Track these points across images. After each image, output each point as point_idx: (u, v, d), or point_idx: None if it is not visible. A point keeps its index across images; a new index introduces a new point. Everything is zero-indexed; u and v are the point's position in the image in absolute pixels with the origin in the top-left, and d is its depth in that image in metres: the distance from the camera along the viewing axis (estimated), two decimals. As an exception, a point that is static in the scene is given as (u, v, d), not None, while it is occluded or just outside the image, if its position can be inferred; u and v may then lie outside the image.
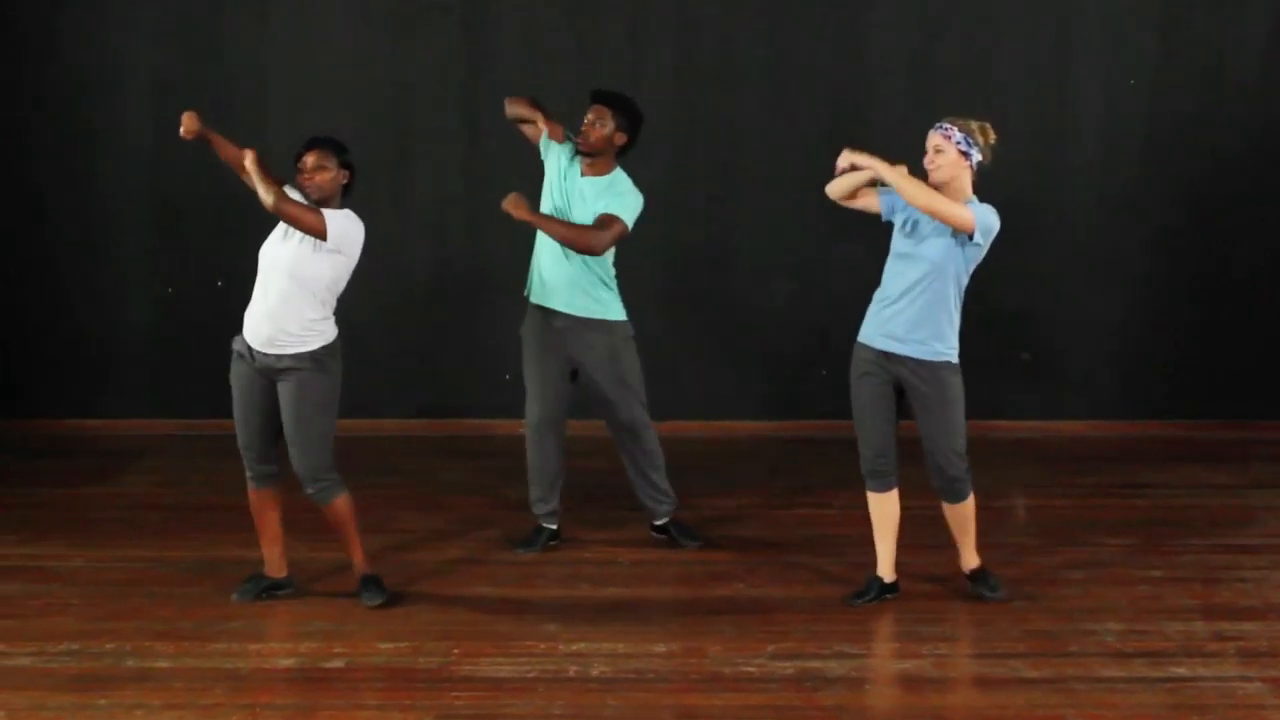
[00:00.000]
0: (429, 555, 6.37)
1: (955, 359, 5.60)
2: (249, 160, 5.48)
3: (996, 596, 5.79)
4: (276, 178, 5.49)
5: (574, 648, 5.32)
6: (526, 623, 5.56)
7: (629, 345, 6.36)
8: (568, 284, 6.24)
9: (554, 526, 6.49)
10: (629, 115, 6.27)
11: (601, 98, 6.29)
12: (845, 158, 5.59)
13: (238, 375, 5.64)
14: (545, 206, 6.30)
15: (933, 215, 5.41)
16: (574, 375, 6.38)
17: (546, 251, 6.27)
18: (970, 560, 5.85)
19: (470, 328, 8.59)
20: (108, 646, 5.29)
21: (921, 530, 6.14)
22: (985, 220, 5.44)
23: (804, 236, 8.49)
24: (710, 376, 8.73)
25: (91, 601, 5.76)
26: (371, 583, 5.77)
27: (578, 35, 8.52)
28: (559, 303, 6.27)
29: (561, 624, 5.54)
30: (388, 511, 6.94)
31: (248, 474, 5.73)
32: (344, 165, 5.62)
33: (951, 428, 5.60)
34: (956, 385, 5.60)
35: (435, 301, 8.65)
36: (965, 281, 5.57)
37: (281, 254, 5.53)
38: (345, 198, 5.66)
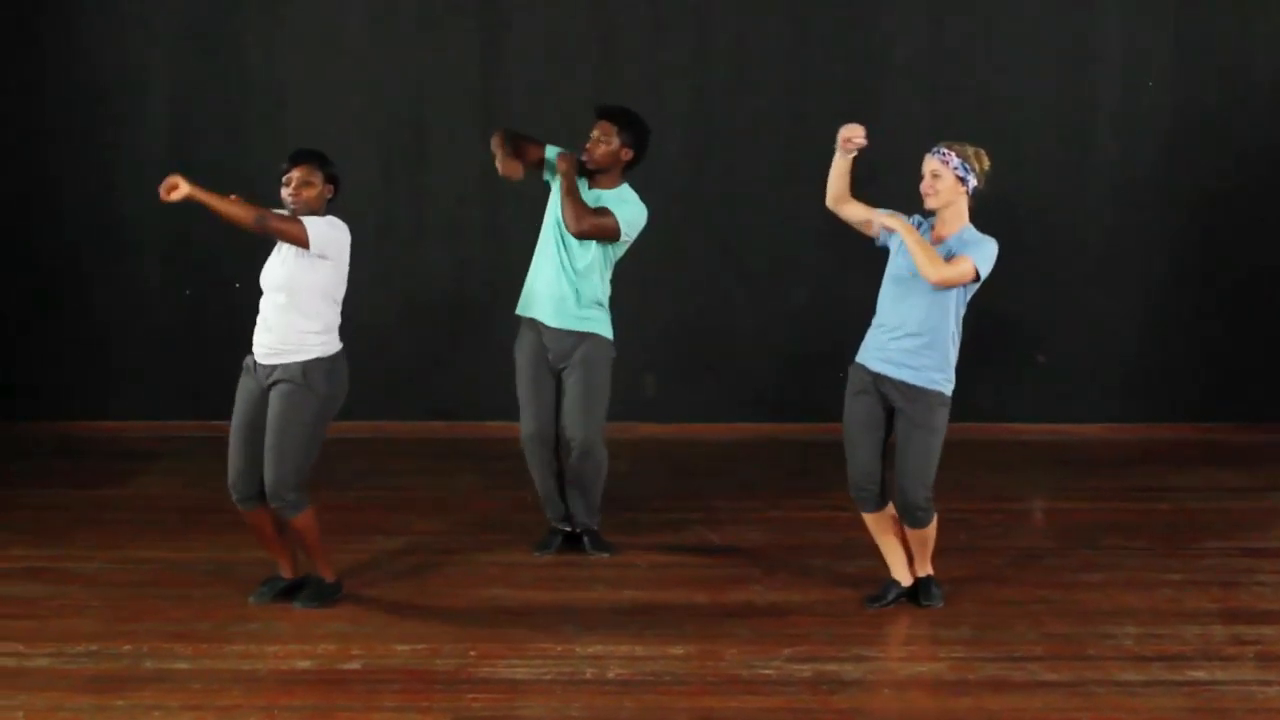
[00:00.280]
0: (445, 557, 6.37)
1: (949, 391, 5.57)
2: (230, 202, 5.42)
3: (931, 604, 5.75)
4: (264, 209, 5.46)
5: (591, 650, 5.31)
6: (543, 625, 5.56)
7: (606, 364, 6.29)
8: (561, 300, 6.22)
9: (567, 529, 6.48)
10: (635, 131, 6.23)
11: (607, 114, 6.25)
12: (884, 219, 5.52)
13: (243, 389, 5.67)
14: (549, 219, 6.28)
15: (945, 286, 5.40)
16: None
17: (544, 268, 6.27)
18: (923, 569, 5.83)
19: (486, 330, 8.59)
20: (125, 648, 5.30)
21: (936, 534, 6.11)
22: (986, 264, 5.43)
23: (821, 238, 8.48)
24: (727, 379, 8.72)
25: (109, 603, 5.77)
26: (322, 587, 5.73)
27: (595, 37, 8.52)
28: (550, 317, 6.25)
29: (578, 626, 5.54)
30: (403, 514, 6.94)
31: (234, 497, 5.68)
32: (329, 179, 5.60)
33: (926, 459, 5.55)
34: (942, 416, 5.56)
35: (452, 303, 8.66)
36: (963, 311, 5.56)
37: (277, 270, 5.59)
38: (330, 202, 5.65)
